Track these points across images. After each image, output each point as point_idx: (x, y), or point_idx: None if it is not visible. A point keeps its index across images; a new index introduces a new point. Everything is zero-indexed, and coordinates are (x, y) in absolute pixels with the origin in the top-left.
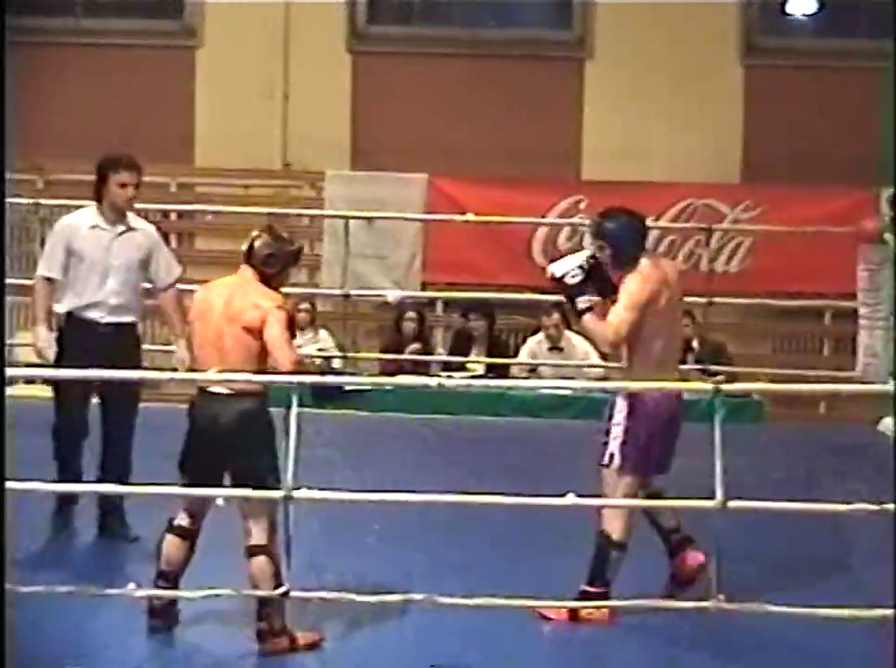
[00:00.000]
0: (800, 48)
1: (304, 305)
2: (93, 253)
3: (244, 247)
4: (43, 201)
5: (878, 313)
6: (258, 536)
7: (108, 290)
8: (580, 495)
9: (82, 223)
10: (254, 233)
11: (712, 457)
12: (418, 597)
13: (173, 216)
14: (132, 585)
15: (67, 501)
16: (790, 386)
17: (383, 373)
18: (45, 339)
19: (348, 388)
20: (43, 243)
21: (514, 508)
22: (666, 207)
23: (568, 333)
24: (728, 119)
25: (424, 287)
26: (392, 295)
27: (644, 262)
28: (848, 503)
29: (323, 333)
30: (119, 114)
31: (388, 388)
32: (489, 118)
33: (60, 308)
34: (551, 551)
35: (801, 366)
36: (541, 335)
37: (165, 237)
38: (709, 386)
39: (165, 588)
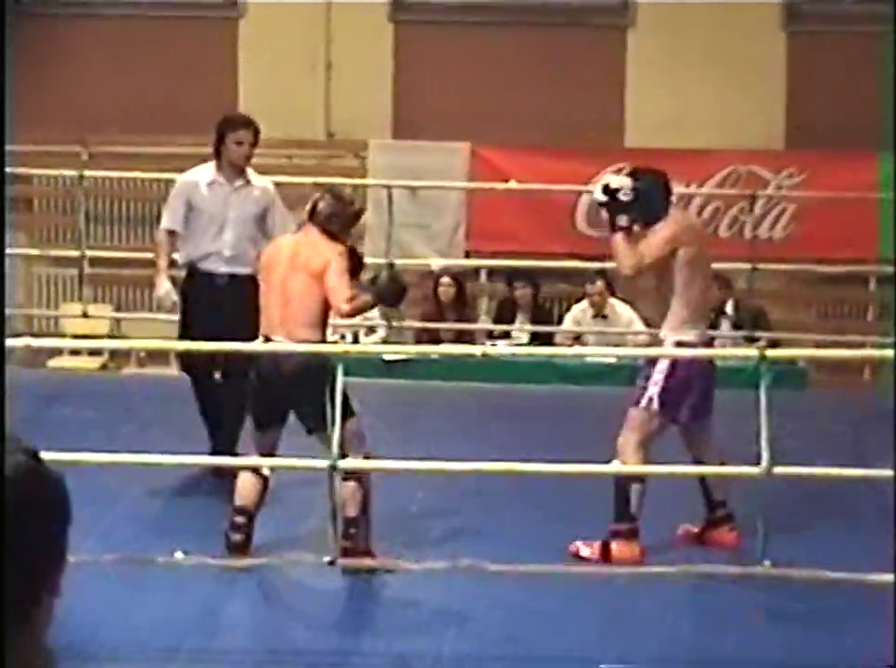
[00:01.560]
0: (843, 14)
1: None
2: (210, 207)
3: (307, 207)
4: (87, 173)
5: None
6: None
7: (223, 242)
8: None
9: (200, 179)
10: (317, 194)
11: (757, 424)
12: (465, 563)
13: None
14: (178, 555)
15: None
16: (835, 352)
17: (419, 341)
18: (165, 289)
19: (392, 357)
20: (87, 215)
21: (559, 476)
22: (710, 174)
23: (612, 300)
24: (771, 85)
25: (467, 255)
26: (436, 264)
27: (675, 211)
28: (894, 469)
29: None
30: (162, 86)
31: (432, 357)
32: (531, 86)
33: (181, 258)
34: (596, 517)
35: (845, 333)
36: (585, 303)
37: None
38: (753, 352)
39: (242, 524)
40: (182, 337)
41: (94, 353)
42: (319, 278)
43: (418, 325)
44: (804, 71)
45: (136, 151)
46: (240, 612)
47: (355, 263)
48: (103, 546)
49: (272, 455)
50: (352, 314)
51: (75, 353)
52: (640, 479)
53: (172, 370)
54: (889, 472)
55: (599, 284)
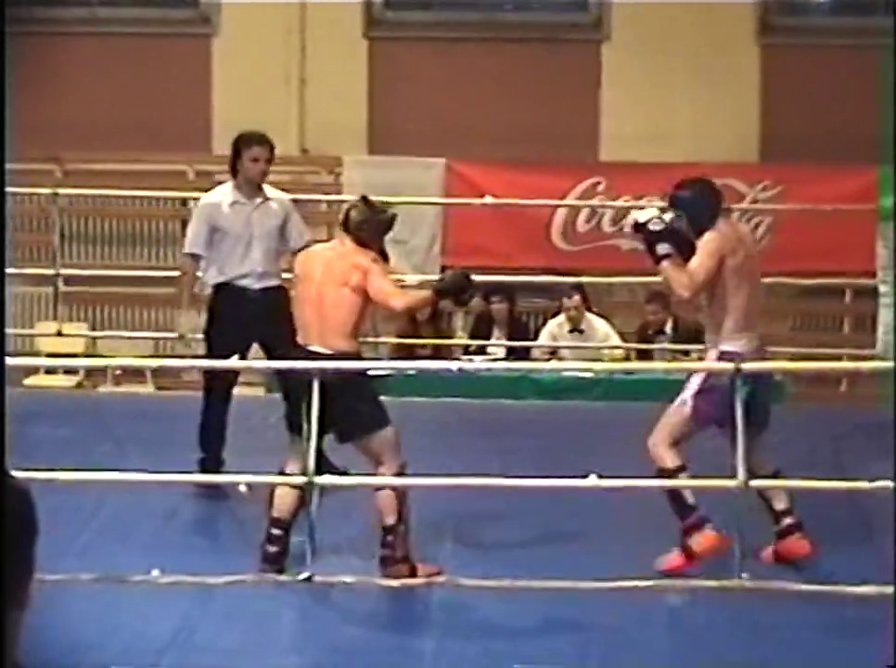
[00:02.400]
0: (817, 27)
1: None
2: (236, 227)
3: (341, 217)
4: (61, 191)
5: None
6: (385, 473)
7: (253, 259)
8: (602, 476)
9: (222, 200)
10: (349, 204)
11: (733, 436)
12: (441, 579)
13: (192, 204)
14: (155, 572)
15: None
16: (812, 364)
17: (396, 357)
18: (192, 324)
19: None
20: (62, 233)
21: (537, 491)
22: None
23: (588, 315)
24: (745, 99)
25: (444, 270)
26: (412, 279)
27: (720, 222)
28: (871, 481)
29: None
30: (136, 104)
31: (409, 372)
32: (506, 102)
33: (209, 279)
34: (574, 532)
35: (822, 345)
36: (562, 317)
37: (184, 224)
38: (729, 366)
39: (278, 536)
40: (210, 352)
41: (69, 371)
42: (359, 291)
43: (395, 340)
44: (778, 84)
45: (111, 168)
46: (217, 630)
47: (469, 285)
48: (79, 565)
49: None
50: (409, 311)
51: (50, 371)
52: (683, 469)
53: (148, 388)
54: (864, 484)
55: (576, 298)
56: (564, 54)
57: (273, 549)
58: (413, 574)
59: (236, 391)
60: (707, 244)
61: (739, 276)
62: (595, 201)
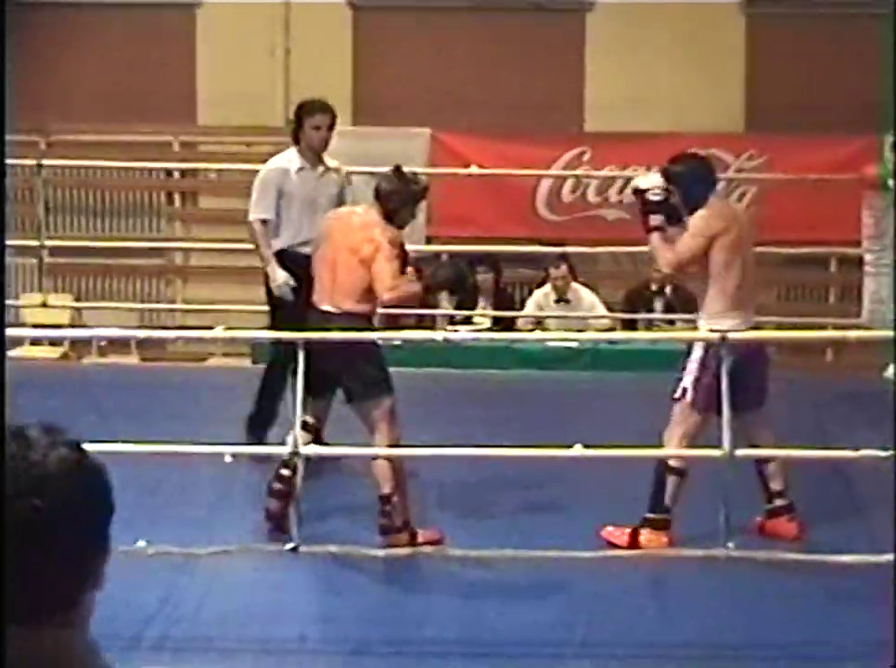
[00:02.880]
0: None
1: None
2: (302, 193)
3: (374, 186)
4: (46, 162)
5: (883, 259)
6: (380, 442)
7: (318, 225)
8: (587, 446)
9: (289, 166)
10: (380, 174)
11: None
12: (427, 549)
13: (177, 175)
14: (141, 543)
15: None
16: (797, 333)
17: (381, 327)
18: (283, 277)
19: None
20: (46, 204)
21: (522, 460)
22: (669, 157)
23: (574, 285)
24: (731, 68)
25: (429, 241)
26: None
27: (712, 200)
28: (856, 450)
29: None
30: (120, 75)
31: (395, 342)
32: (490, 71)
33: (275, 244)
34: (559, 502)
35: (807, 314)
36: (547, 287)
37: (169, 195)
38: (715, 335)
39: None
40: (274, 320)
41: (54, 342)
42: (367, 263)
43: (380, 310)
44: (763, 54)
45: (95, 139)
46: (202, 600)
47: (403, 257)
48: None
49: (320, 422)
50: (395, 304)
51: (35, 342)
52: (680, 472)
53: (133, 359)
54: (849, 453)
55: (562, 268)
56: (549, 24)
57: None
58: (413, 541)
59: (220, 361)
60: (696, 223)
61: (730, 255)
62: (580, 171)
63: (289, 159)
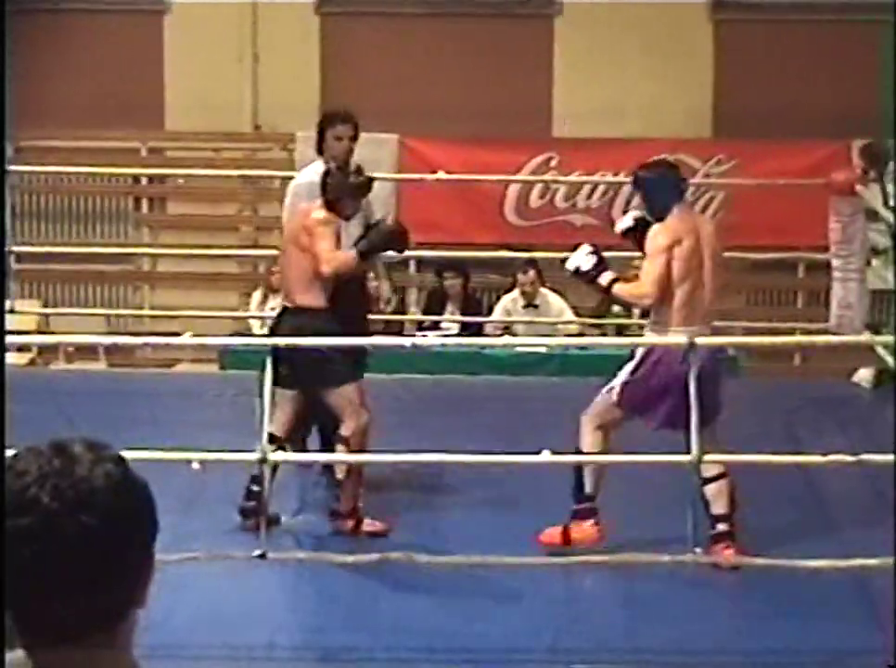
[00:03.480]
0: (769, 1)
1: (277, 267)
2: None
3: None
4: (12, 168)
5: (851, 265)
6: (344, 429)
7: (349, 236)
8: (555, 452)
9: (315, 179)
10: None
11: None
12: (395, 555)
13: (144, 181)
14: None
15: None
16: (765, 338)
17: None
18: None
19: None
20: (13, 210)
21: (491, 466)
22: (637, 162)
23: (543, 290)
24: (698, 74)
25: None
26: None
27: (675, 210)
28: (824, 455)
29: None
30: (88, 81)
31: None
32: (458, 77)
33: None
34: (527, 508)
35: (775, 320)
36: (515, 292)
37: (137, 201)
38: (683, 340)
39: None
40: None
41: (21, 348)
42: (307, 252)
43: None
44: (731, 60)
45: (64, 145)
46: (170, 607)
47: (398, 236)
48: None
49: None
50: (338, 274)
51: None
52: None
53: (101, 365)
54: (818, 458)
55: (530, 273)
56: (516, 29)
57: (249, 505)
58: (356, 529)
59: (188, 367)
60: (651, 242)
61: (685, 268)
62: (548, 177)
63: (316, 170)
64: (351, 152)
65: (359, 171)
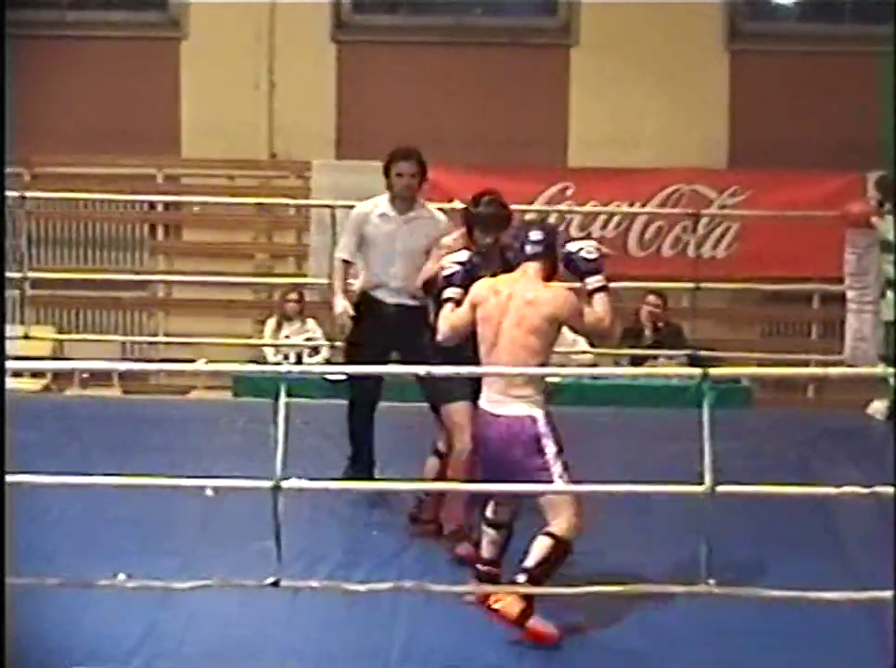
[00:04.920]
0: (786, 33)
1: (292, 295)
2: (379, 239)
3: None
4: (28, 194)
5: (866, 296)
6: (441, 444)
7: (391, 274)
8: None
9: (372, 210)
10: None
11: (701, 443)
12: (408, 584)
13: (160, 207)
14: (121, 577)
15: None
16: (779, 369)
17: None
18: (342, 306)
19: (335, 377)
20: (29, 236)
21: (502, 495)
22: (653, 193)
23: None
24: (714, 104)
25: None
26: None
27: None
28: (838, 487)
29: (311, 323)
30: (105, 107)
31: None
32: (475, 106)
33: (356, 285)
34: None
35: (789, 351)
36: None
37: (152, 228)
38: (697, 371)
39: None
40: (349, 358)
41: (36, 374)
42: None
43: None
44: (747, 90)
45: (79, 172)
46: (183, 635)
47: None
48: (46, 569)
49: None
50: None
51: (17, 374)
52: (496, 524)
53: (115, 391)
54: (831, 490)
55: None
56: (533, 58)
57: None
58: (439, 533)
59: (202, 394)
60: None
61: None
62: (563, 206)
63: (376, 203)
64: (413, 189)
65: (493, 202)
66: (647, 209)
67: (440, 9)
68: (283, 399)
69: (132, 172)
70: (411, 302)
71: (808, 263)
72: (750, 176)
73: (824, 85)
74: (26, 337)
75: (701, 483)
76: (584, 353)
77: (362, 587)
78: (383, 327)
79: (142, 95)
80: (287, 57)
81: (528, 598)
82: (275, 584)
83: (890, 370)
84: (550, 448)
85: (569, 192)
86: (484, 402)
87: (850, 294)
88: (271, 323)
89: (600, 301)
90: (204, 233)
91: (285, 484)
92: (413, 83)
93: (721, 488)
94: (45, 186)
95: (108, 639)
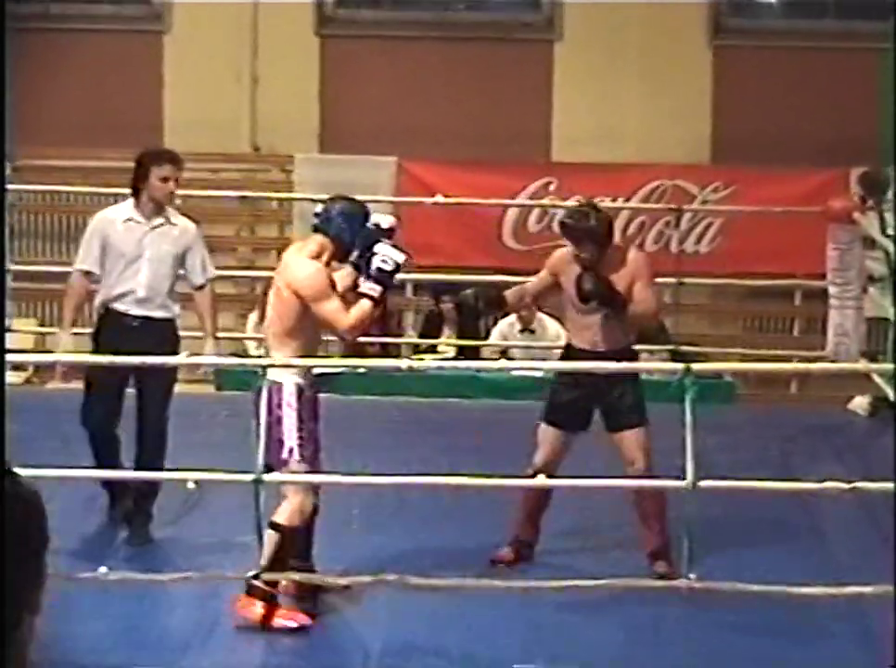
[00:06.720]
0: (769, 29)
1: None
2: (125, 246)
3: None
4: (11, 187)
5: (848, 292)
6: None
7: (137, 282)
8: (550, 476)
9: (117, 216)
10: None
11: (683, 437)
12: (391, 577)
13: None
14: (103, 569)
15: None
16: (762, 365)
17: (346, 355)
18: (66, 346)
19: (318, 371)
20: (11, 229)
21: (486, 490)
22: (636, 188)
23: (540, 315)
24: (698, 100)
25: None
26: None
27: None
28: (820, 482)
29: None
30: (87, 100)
31: (359, 370)
32: (458, 101)
33: (97, 301)
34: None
35: (772, 347)
36: (513, 317)
37: None
38: (679, 366)
39: None
40: (89, 381)
41: (18, 367)
42: None
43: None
44: (730, 86)
45: (61, 164)
46: (164, 627)
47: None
48: None
49: None
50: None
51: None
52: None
53: None
54: (813, 485)
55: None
56: (516, 53)
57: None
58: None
59: (183, 387)
60: None
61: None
62: (546, 201)
63: (121, 208)
64: (173, 195)
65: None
66: (631, 204)
67: (423, 4)
68: (265, 393)
69: (114, 165)
70: (158, 314)
71: (790, 259)
72: (733, 172)
73: (807, 81)
74: (8, 330)
75: (683, 479)
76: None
77: (342, 581)
78: (126, 342)
79: (125, 88)
80: (270, 51)
81: (268, 599)
82: (256, 577)
83: (872, 365)
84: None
85: (552, 187)
86: None
87: (832, 290)
88: (253, 317)
89: (359, 307)
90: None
91: (266, 477)
92: (396, 77)
93: (703, 483)
94: (28, 179)
95: (87, 633)
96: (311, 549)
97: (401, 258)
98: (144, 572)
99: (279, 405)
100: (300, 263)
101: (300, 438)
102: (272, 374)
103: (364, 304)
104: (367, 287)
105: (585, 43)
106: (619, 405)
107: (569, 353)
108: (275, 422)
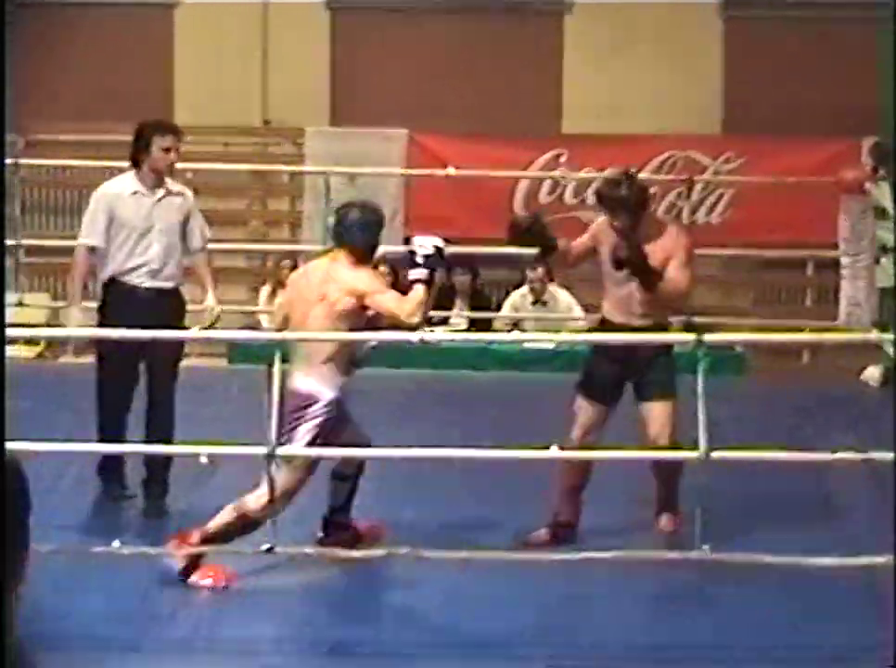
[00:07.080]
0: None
1: (287, 262)
2: (135, 219)
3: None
4: (22, 161)
5: (860, 262)
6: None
7: (151, 255)
8: (562, 447)
9: (122, 189)
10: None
11: (696, 409)
12: (402, 550)
13: None
14: (116, 543)
15: (111, 468)
16: (773, 336)
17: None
18: (78, 321)
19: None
20: (23, 203)
21: (498, 462)
22: (647, 159)
23: (552, 286)
24: (708, 71)
25: (406, 242)
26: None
27: None
28: (832, 452)
29: None
30: (99, 74)
31: (371, 343)
32: (468, 73)
33: (104, 275)
34: (535, 503)
35: (783, 317)
36: (524, 288)
37: None
38: (691, 337)
39: None
40: (101, 354)
41: (30, 341)
42: None
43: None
44: (741, 57)
45: (73, 139)
46: (178, 601)
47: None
48: (40, 536)
49: None
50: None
51: (11, 341)
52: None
53: None
54: (825, 456)
55: (540, 270)
56: (527, 26)
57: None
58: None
59: (196, 361)
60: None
61: None
62: (557, 173)
63: (124, 181)
64: (174, 166)
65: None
66: (642, 175)
67: None
68: (277, 366)
69: (126, 139)
70: (169, 285)
71: (802, 230)
72: (745, 143)
73: (818, 52)
74: (20, 304)
75: (696, 449)
76: (579, 319)
77: (356, 554)
78: (137, 315)
79: (136, 62)
80: (281, 25)
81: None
82: (270, 550)
83: (886, 336)
84: None
85: (563, 159)
86: None
87: (844, 260)
88: (265, 290)
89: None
90: (198, 200)
91: (280, 451)
92: (406, 50)
93: (715, 454)
94: (40, 154)
95: (103, 606)
96: (352, 502)
97: (437, 240)
98: (158, 547)
99: (304, 416)
100: (348, 270)
101: (308, 444)
102: (308, 384)
103: (419, 289)
104: (416, 273)
105: (595, 15)
106: (651, 376)
107: (605, 326)
108: (293, 419)
